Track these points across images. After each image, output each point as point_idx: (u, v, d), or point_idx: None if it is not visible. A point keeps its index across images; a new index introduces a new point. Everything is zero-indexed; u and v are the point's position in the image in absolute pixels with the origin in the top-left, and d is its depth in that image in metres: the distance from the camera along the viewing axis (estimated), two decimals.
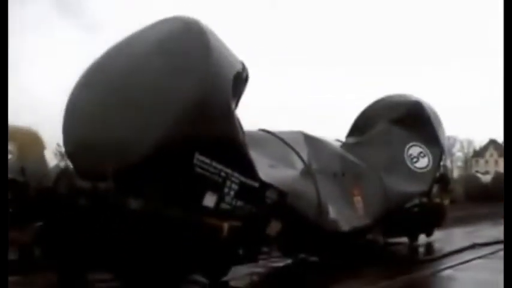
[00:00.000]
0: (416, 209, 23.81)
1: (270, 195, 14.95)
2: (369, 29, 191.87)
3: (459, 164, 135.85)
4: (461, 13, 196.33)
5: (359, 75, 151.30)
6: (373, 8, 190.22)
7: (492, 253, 20.67)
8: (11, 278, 13.15)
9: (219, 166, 13.53)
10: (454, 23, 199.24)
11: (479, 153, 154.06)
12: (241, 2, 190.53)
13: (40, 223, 13.67)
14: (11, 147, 21.87)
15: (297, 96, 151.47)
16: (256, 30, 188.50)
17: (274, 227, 15.45)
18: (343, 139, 24.00)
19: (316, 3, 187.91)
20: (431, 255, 21.19)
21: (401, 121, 23.47)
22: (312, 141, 19.81)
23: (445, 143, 26.74)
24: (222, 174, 13.65)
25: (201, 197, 13.43)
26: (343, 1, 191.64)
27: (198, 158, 13.07)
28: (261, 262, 17.08)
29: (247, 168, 14.39)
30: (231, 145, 13.80)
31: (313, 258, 19.42)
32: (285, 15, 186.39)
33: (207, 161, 13.26)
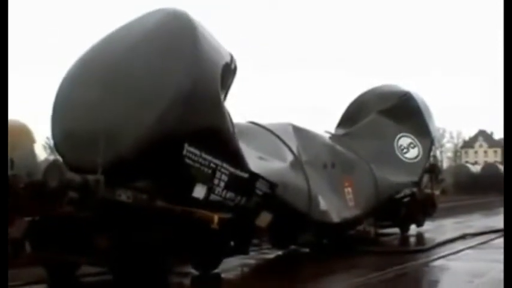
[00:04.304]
0: (406, 200, 23.89)
1: (260, 187, 14.92)
2: (365, 30, 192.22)
3: (448, 154, 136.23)
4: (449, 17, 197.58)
5: (357, 75, 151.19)
6: (370, 9, 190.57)
7: (482, 243, 20.72)
8: None
9: (209, 157, 13.47)
10: (441, 24, 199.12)
11: (468, 144, 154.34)
12: (241, 2, 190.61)
13: (30, 218, 13.58)
14: None
15: (292, 97, 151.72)
16: (254, 29, 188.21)
17: (264, 219, 15.43)
18: (333, 130, 23.98)
19: (315, 4, 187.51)
20: (423, 246, 21.17)
21: (391, 111, 23.48)
22: (301, 133, 19.80)
23: (436, 133, 26.77)
24: (212, 165, 13.59)
25: (191, 188, 13.38)
26: (341, 3, 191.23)
27: (188, 149, 13.01)
28: (251, 254, 17.06)
29: (237, 159, 14.35)
30: (220, 136, 13.75)
31: (304, 250, 19.39)
32: (284, 15, 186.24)
33: (197, 152, 13.20)
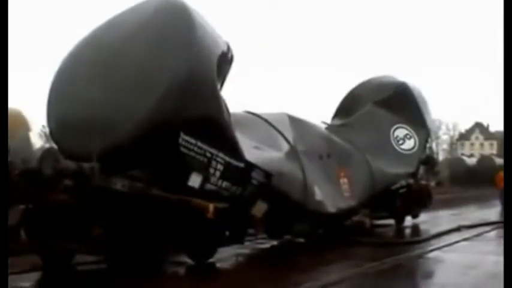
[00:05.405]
0: (402, 191, 23.89)
1: (256, 176, 14.89)
2: (364, 30, 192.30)
3: (444, 146, 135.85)
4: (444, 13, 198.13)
5: (357, 75, 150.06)
6: (368, 8, 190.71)
7: (477, 235, 20.75)
8: None
9: (204, 146, 13.44)
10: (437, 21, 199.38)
11: (464, 136, 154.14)
12: (241, 2, 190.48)
13: (25, 205, 13.54)
14: None
15: (292, 97, 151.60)
16: (254, 29, 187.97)
17: (260, 208, 15.39)
18: (329, 121, 23.97)
19: (315, 4, 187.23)
20: (418, 237, 21.19)
21: (387, 102, 23.45)
22: (297, 123, 19.76)
23: (432, 125, 26.78)
24: (207, 154, 13.56)
25: (186, 177, 13.35)
26: (341, 2, 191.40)
27: (183, 137, 12.97)
28: (246, 244, 17.04)
29: (233, 148, 14.31)
30: (216, 125, 13.71)
31: (299, 240, 19.39)
32: (284, 15, 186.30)
33: (192, 141, 13.16)
